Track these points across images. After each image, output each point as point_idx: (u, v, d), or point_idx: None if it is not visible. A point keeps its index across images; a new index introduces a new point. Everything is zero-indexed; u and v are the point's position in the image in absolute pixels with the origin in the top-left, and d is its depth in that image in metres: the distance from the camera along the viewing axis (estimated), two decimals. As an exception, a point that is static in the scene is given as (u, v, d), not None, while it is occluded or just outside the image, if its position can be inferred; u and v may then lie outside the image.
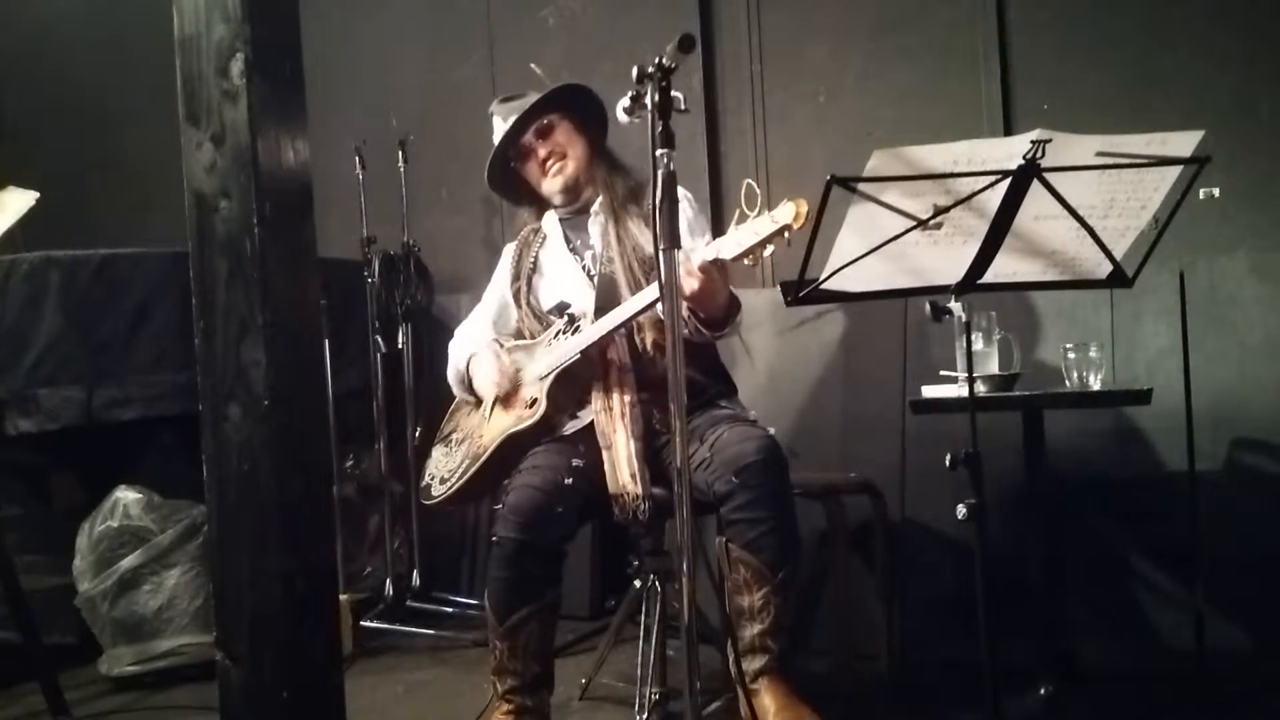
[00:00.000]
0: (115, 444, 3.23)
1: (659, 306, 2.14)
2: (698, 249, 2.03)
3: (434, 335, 3.61)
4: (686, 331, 2.18)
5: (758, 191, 1.85)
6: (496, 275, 2.60)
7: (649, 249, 2.26)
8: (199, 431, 1.56)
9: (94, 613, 2.94)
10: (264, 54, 1.53)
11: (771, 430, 2.15)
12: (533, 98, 2.45)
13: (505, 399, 2.35)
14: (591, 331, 2.21)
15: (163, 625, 2.91)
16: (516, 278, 2.51)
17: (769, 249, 1.87)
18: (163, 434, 3.24)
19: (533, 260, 2.49)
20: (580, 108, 2.46)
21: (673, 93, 1.72)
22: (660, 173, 1.68)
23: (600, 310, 2.26)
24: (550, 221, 2.53)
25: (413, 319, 3.51)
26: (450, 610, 3.55)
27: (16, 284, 3.05)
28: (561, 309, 2.36)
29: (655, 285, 2.07)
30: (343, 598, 3.14)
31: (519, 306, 2.49)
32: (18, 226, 2.65)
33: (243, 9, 1.51)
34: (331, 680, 1.61)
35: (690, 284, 1.97)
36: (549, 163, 2.44)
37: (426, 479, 2.46)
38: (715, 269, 1.96)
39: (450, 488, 2.34)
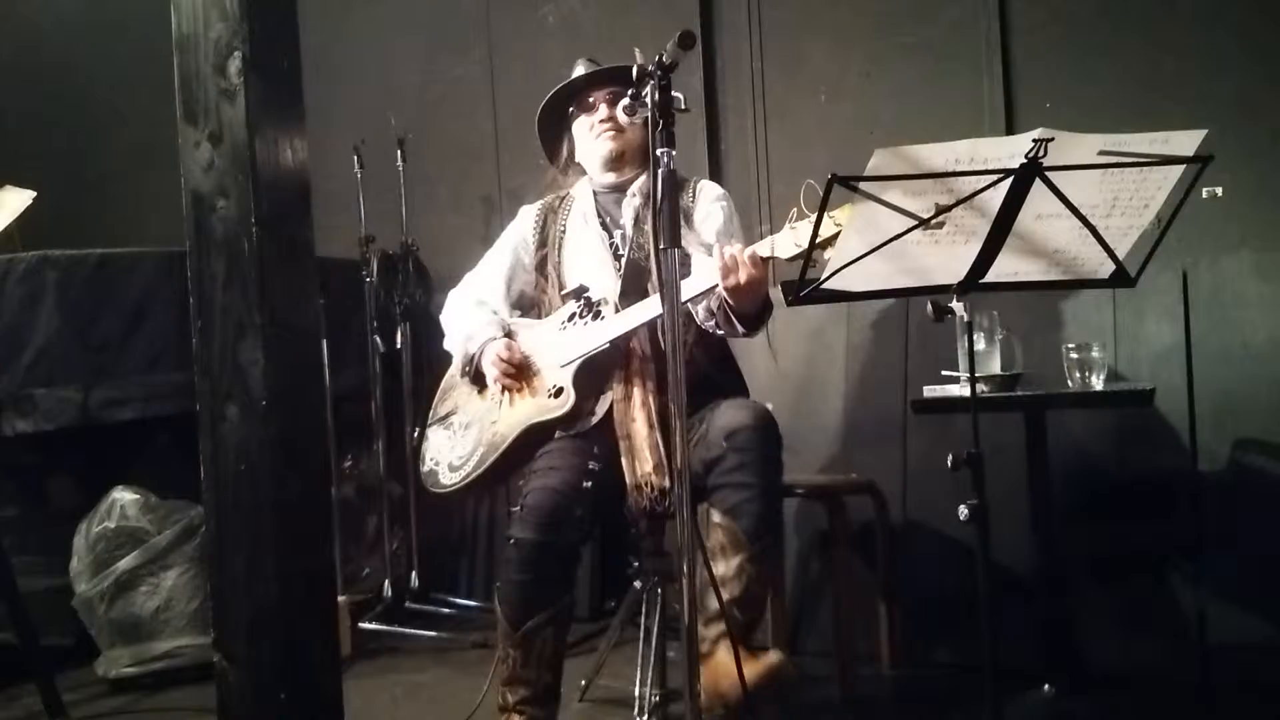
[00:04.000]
0: (112, 444, 3.22)
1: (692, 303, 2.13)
2: (748, 245, 1.98)
3: (433, 335, 3.59)
4: (713, 324, 2.16)
5: (819, 191, 1.82)
6: (510, 235, 2.47)
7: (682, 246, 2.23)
8: (197, 432, 1.55)
9: (91, 614, 2.93)
10: (262, 52, 1.52)
11: (769, 405, 2.13)
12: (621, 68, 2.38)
13: (516, 384, 2.28)
14: (626, 320, 2.14)
15: (160, 626, 2.90)
16: (544, 244, 2.40)
17: (827, 253, 1.81)
18: (160, 434, 3.23)
19: (562, 228, 2.39)
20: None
21: (673, 92, 1.71)
22: (660, 172, 1.67)
23: (625, 296, 2.20)
24: (584, 189, 2.42)
25: (411, 318, 3.51)
26: (449, 611, 3.55)
27: (13, 283, 3.04)
28: (578, 293, 2.25)
29: (699, 278, 2.04)
30: (341, 599, 3.13)
31: (543, 275, 2.39)
32: (15, 226, 2.65)
33: (240, 7, 1.51)
34: (329, 682, 1.60)
35: (736, 277, 1.94)
36: (605, 125, 2.33)
37: (429, 465, 2.36)
38: (764, 264, 1.95)
39: (466, 477, 2.26)
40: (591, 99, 2.37)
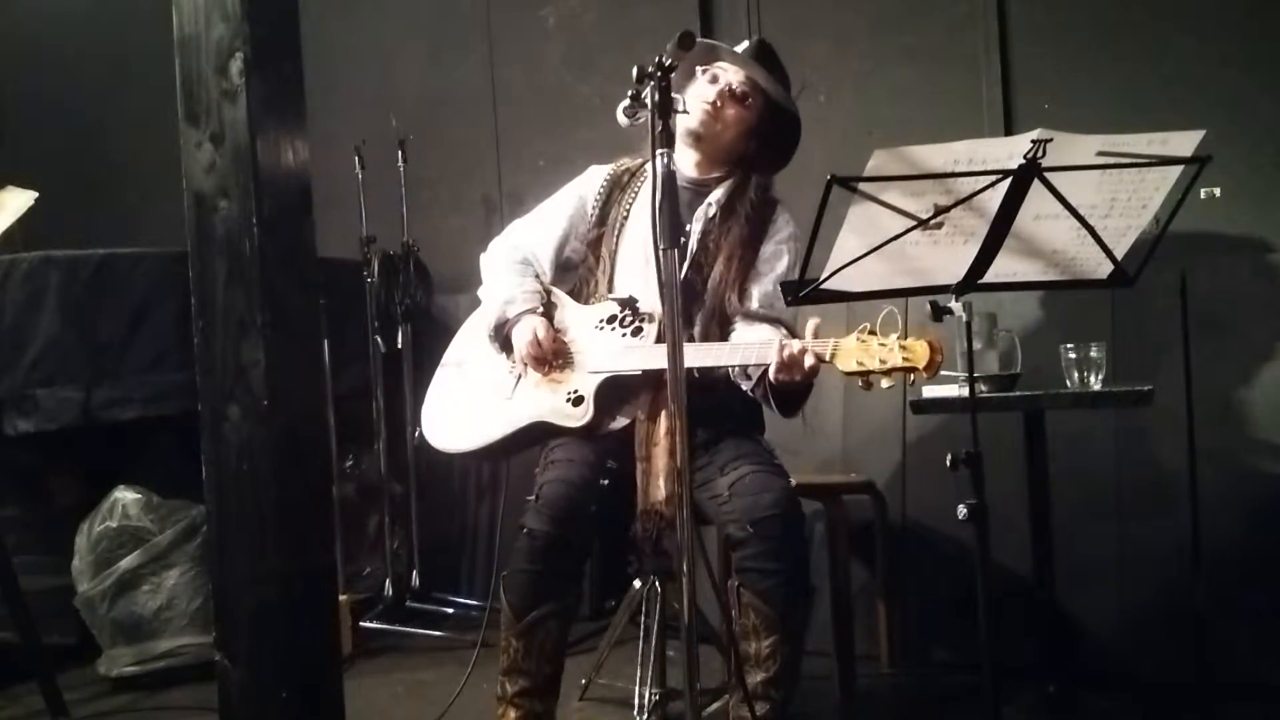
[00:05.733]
0: (114, 444, 3.23)
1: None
2: (810, 342, 1.89)
3: (433, 335, 3.60)
4: (749, 386, 2.10)
5: (898, 319, 1.79)
6: (571, 198, 2.33)
7: (730, 305, 2.16)
8: (198, 431, 1.56)
9: (93, 613, 2.93)
10: (263, 53, 1.53)
11: (793, 481, 2.10)
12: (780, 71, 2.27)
13: (543, 369, 2.21)
14: (662, 356, 2.00)
15: (162, 626, 2.90)
16: (603, 222, 2.28)
17: (886, 382, 1.79)
18: (162, 434, 3.23)
19: (625, 212, 2.26)
20: (779, 132, 2.30)
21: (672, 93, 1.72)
22: (660, 173, 1.68)
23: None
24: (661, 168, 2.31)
25: (412, 319, 3.51)
26: (450, 610, 3.55)
27: (15, 284, 3.04)
28: (627, 302, 2.16)
29: (753, 348, 1.98)
30: (342, 598, 3.14)
31: (595, 255, 2.28)
32: (17, 226, 2.65)
33: (242, 8, 1.51)
34: (330, 681, 1.61)
35: (786, 374, 1.89)
36: (707, 103, 2.18)
37: (432, 411, 2.31)
38: (819, 366, 1.88)
39: (463, 448, 2.23)
40: (723, 79, 2.22)
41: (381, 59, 4.05)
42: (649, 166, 2.30)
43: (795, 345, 1.89)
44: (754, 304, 2.17)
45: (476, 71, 3.85)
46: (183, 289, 1.60)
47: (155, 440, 3.25)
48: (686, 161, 2.25)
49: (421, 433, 2.34)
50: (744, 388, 2.12)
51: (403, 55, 4.02)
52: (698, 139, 2.21)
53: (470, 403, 2.27)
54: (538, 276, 2.29)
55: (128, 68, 4.32)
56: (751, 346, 1.99)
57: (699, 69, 2.24)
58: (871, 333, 1.81)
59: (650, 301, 2.16)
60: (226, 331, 1.53)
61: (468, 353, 2.36)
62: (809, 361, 1.88)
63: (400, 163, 3.56)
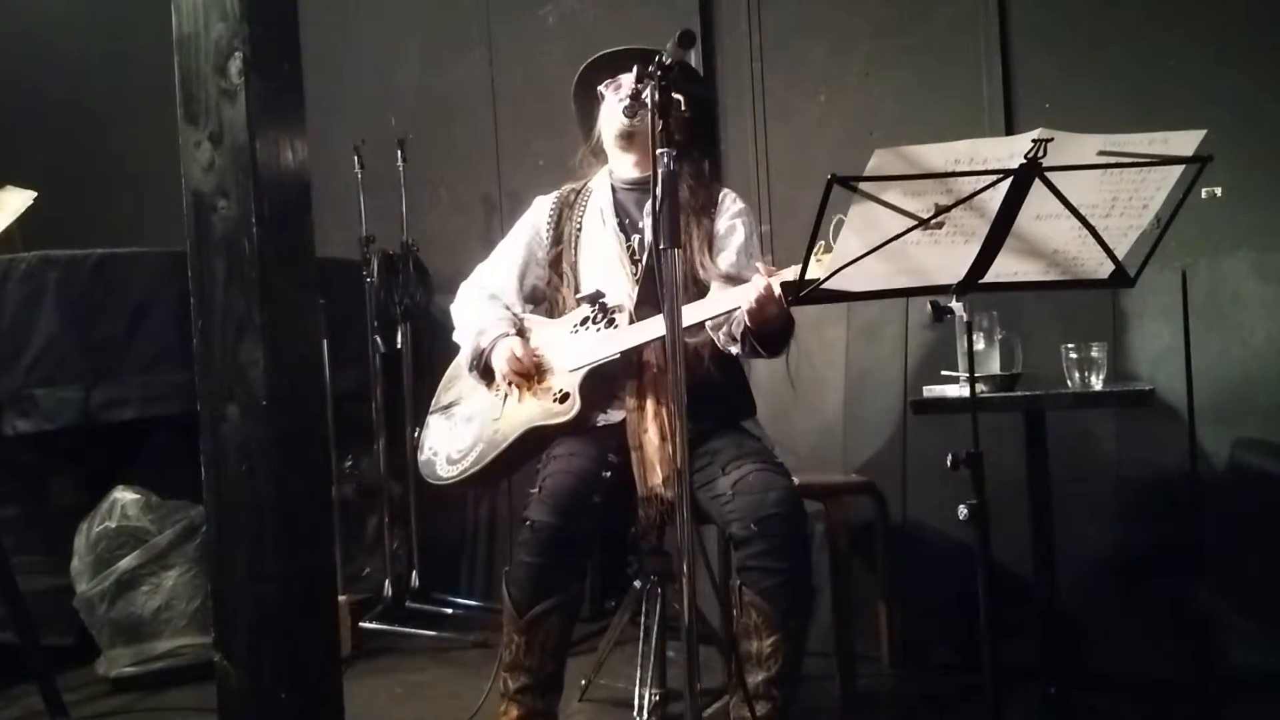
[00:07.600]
0: (113, 444, 3.22)
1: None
2: (777, 271, 1.95)
3: (433, 335, 3.60)
4: (736, 349, 2.14)
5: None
6: (524, 228, 2.41)
7: (704, 270, 2.20)
8: (197, 432, 1.56)
9: (92, 613, 2.93)
10: (262, 53, 1.53)
11: (796, 480, 2.10)
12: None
13: (525, 384, 2.25)
14: (638, 333, 2.11)
15: (161, 626, 2.90)
16: (559, 240, 2.35)
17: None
18: (161, 434, 3.23)
19: (578, 225, 2.33)
20: (697, 118, 2.28)
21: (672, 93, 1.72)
22: (660, 172, 1.68)
23: (641, 306, 2.17)
24: (602, 183, 2.35)
25: (411, 319, 3.51)
26: (449, 611, 3.55)
27: (14, 284, 3.04)
28: (594, 298, 2.21)
29: (726, 296, 2.02)
30: (341, 599, 3.14)
31: (557, 273, 2.34)
32: (16, 226, 2.64)
33: (241, 8, 1.51)
34: (330, 681, 1.61)
35: (768, 310, 1.93)
36: (624, 101, 2.18)
37: (428, 453, 2.34)
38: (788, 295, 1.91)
39: (463, 472, 2.24)
40: (626, 80, 2.22)
41: (381, 59, 4.05)
42: (592, 184, 2.39)
43: (761, 283, 1.94)
44: (722, 271, 2.22)
45: (476, 71, 3.85)
46: (182, 289, 1.60)
47: (154, 440, 3.25)
48: (625, 165, 2.33)
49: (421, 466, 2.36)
50: (733, 351, 2.16)
51: (402, 55, 4.02)
52: (630, 138, 2.28)
53: (464, 433, 2.30)
54: (507, 307, 2.36)
55: (128, 68, 4.31)
56: (728, 292, 2.05)
57: (601, 89, 2.35)
58: (827, 251, 1.82)
59: (616, 295, 2.21)
60: (225, 331, 1.53)
61: (452, 395, 2.41)
62: (777, 284, 1.92)
63: (400, 162, 3.56)
